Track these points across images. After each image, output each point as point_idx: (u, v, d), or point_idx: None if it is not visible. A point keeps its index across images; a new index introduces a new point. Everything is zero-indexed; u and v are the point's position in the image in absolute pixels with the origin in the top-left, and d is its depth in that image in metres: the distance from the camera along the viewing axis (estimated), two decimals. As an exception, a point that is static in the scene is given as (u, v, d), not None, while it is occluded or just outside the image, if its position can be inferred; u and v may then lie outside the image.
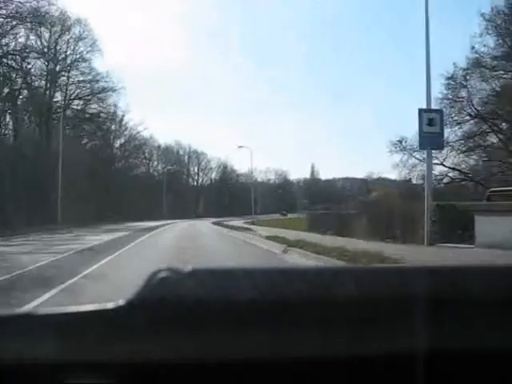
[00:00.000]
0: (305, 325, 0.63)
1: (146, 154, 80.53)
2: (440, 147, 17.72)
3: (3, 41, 36.38)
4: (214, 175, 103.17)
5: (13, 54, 37.34)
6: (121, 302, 0.63)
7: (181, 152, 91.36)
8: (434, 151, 17.29)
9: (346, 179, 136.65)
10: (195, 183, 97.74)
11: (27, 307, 5.41)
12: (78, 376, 0.65)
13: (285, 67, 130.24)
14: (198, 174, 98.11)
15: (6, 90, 38.08)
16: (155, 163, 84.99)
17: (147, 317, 0.62)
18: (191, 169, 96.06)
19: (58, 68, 44.68)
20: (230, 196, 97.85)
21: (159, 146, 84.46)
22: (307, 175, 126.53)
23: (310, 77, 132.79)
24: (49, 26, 40.84)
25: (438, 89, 29.62)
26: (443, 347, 0.65)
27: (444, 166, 30.51)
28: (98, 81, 47.56)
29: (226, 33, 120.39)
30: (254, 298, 0.63)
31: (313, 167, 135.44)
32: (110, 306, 0.64)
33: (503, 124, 27.87)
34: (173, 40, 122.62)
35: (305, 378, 0.67)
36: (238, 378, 0.67)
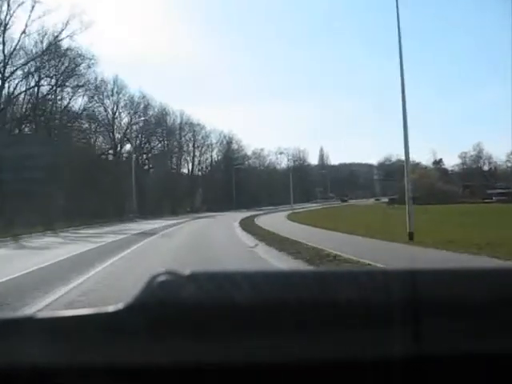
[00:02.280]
0: (304, 328, 0.63)
1: (109, 110, 51.53)
2: None
3: None
4: (214, 154, 77.17)
5: None
6: (120, 306, 0.63)
7: (169, 120, 64.35)
8: None
9: (352, 164, 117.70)
10: (190, 166, 71.71)
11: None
12: (77, 380, 0.65)
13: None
14: (193, 152, 71.98)
15: None
16: (123, 124, 54.64)
17: (147, 320, 0.62)
18: (184, 145, 69.85)
19: None
20: (237, 182, 72.20)
21: (132, 98, 54.25)
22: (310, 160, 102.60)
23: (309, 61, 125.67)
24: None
25: None
26: (440, 352, 0.65)
27: None
28: None
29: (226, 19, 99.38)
30: (254, 302, 0.63)
31: (321, 151, 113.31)
32: (109, 309, 0.63)
33: None
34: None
35: (304, 381, 0.67)
36: (238, 381, 0.67)
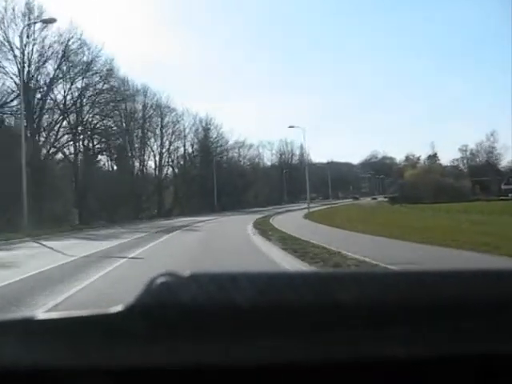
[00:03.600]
0: (307, 330, 0.63)
1: (16, 51, 31.82)
2: None
3: None
4: (188, 143, 61.61)
5: None
6: (120, 308, 0.63)
7: (126, 91, 46.89)
8: None
9: (332, 163, 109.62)
10: (157, 158, 56.22)
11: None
12: (77, 381, 0.65)
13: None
14: (160, 140, 56.35)
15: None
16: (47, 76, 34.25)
17: (147, 322, 0.62)
18: (148, 131, 54.20)
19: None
20: (217, 179, 57.22)
21: (59, 37, 34.30)
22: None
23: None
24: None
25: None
26: (440, 353, 0.66)
27: None
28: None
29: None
30: (255, 303, 0.63)
31: (302, 149, 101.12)
32: (109, 311, 0.63)
33: None
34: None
35: (306, 382, 0.67)
36: (239, 383, 0.67)
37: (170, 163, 58.34)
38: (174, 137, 57.56)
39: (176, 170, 58.99)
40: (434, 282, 0.66)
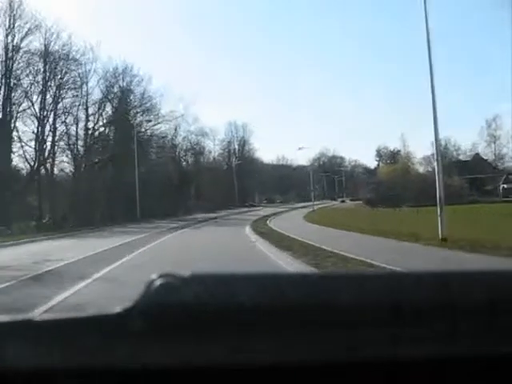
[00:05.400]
0: (308, 330, 0.64)
1: None
2: None
3: None
4: (91, 108, 37.40)
5: None
6: (120, 309, 0.63)
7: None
8: None
9: (270, 166, 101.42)
10: (43, 133, 32.90)
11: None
12: (77, 382, 0.65)
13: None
14: (42, 99, 32.93)
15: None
16: None
17: (147, 323, 0.62)
18: (24, 82, 30.82)
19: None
20: (143, 171, 35.42)
21: None
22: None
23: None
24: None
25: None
26: (440, 354, 0.66)
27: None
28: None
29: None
30: (256, 303, 0.63)
31: (242, 144, 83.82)
32: (109, 312, 0.64)
33: None
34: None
35: (308, 382, 0.68)
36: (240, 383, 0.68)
37: (63, 144, 35.13)
38: (68, 99, 34.48)
39: (72, 155, 35.75)
40: (433, 283, 0.67)
